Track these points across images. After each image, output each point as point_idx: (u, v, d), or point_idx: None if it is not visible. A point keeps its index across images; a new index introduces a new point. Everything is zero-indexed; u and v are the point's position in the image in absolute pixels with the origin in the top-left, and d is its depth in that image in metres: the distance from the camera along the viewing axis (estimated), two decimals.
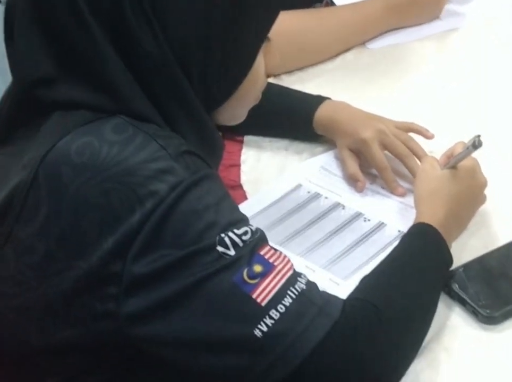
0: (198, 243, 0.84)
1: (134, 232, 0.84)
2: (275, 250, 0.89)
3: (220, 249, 0.84)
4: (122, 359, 0.92)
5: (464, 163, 1.08)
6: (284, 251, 0.92)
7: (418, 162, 1.19)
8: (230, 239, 0.85)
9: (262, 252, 0.87)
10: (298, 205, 1.21)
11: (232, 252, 0.85)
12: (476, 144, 1.02)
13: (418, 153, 1.20)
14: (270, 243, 0.90)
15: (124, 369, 0.93)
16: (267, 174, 1.29)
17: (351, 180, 1.23)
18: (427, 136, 1.24)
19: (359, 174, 1.22)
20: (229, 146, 1.25)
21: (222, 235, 0.85)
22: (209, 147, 0.96)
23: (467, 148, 1.05)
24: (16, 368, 0.95)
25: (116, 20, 0.87)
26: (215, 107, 0.98)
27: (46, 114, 0.90)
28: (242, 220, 0.88)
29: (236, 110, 1.02)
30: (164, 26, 0.88)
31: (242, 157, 1.32)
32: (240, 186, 1.26)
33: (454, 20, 1.59)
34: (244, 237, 0.86)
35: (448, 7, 1.60)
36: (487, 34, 1.55)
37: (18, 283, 0.89)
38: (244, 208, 0.98)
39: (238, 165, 1.30)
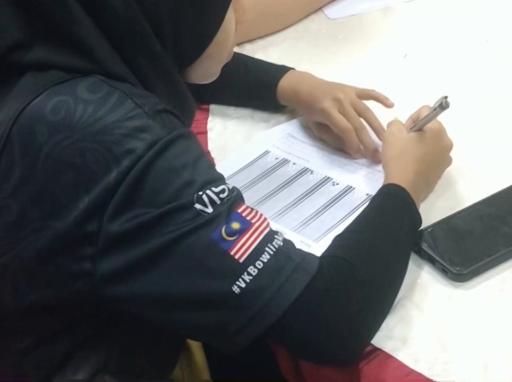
0: (176, 201, 0.84)
1: (111, 191, 0.83)
2: (252, 208, 0.90)
3: (197, 206, 0.85)
4: (97, 319, 0.92)
5: (431, 125, 1.10)
6: None
7: (369, 135, 1.20)
8: (208, 196, 0.85)
9: (239, 210, 0.87)
10: (267, 170, 1.22)
11: (210, 209, 0.85)
12: (443, 105, 1.04)
13: (373, 124, 1.21)
14: None
15: (99, 329, 0.93)
16: (235, 141, 1.30)
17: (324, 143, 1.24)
18: (387, 104, 1.23)
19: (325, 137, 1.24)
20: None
21: (200, 193, 0.85)
22: (181, 107, 0.95)
23: (434, 109, 1.06)
24: None
25: None
26: (187, 65, 0.98)
27: (17, 76, 0.89)
28: (219, 178, 0.89)
29: (209, 67, 1.02)
30: None
31: (209, 125, 1.33)
32: (208, 153, 1.26)
33: None
34: (222, 195, 0.86)
35: None
36: (445, 3, 1.58)
37: None
38: None
39: (205, 133, 1.31)
